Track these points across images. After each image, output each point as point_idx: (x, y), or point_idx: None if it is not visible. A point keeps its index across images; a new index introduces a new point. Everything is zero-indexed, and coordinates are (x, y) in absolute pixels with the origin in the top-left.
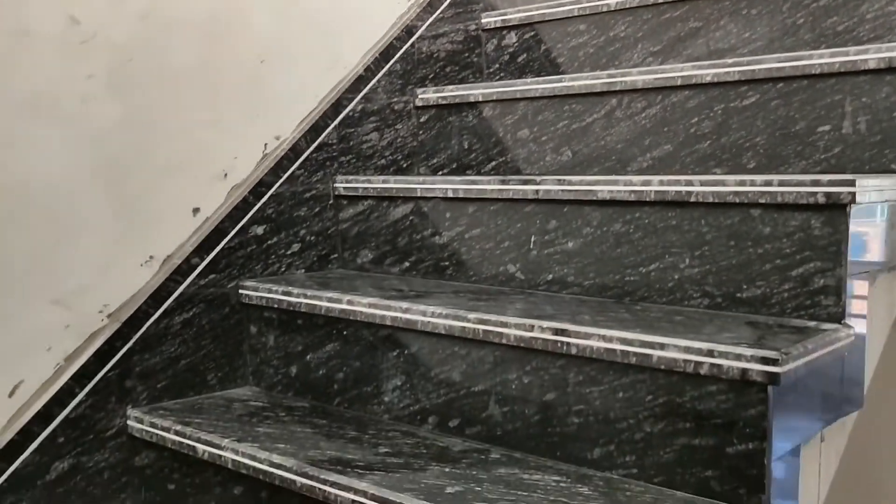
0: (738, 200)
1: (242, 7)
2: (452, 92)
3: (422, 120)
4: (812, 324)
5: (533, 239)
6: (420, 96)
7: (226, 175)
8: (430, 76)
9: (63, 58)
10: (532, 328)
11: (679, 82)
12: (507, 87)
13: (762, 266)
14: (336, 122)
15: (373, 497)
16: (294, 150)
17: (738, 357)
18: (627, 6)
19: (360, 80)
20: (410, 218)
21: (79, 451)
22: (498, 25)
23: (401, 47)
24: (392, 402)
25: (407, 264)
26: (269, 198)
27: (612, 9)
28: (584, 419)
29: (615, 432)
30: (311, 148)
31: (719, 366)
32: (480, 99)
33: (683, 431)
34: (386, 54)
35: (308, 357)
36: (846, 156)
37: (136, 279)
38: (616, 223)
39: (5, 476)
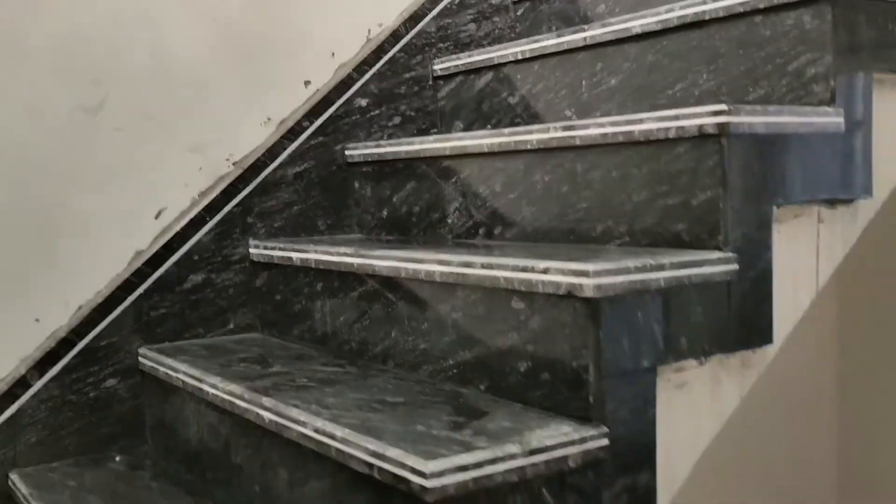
0: (743, 10)
1: None
2: None
3: (518, 13)
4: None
5: (584, 83)
6: None
7: (333, 54)
8: None
9: None
10: (548, 130)
11: None
12: None
13: (765, 67)
14: (434, 12)
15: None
16: (395, 36)
17: (699, 115)
18: None
19: None
20: (491, 85)
21: (209, 269)
22: None
23: None
24: (453, 223)
25: (489, 127)
26: (372, 76)
27: None
28: (590, 203)
29: (611, 209)
30: (411, 34)
31: (682, 127)
32: None
33: (661, 194)
34: None
35: (394, 199)
36: None
37: (257, 135)
38: (648, 54)
39: (151, 280)
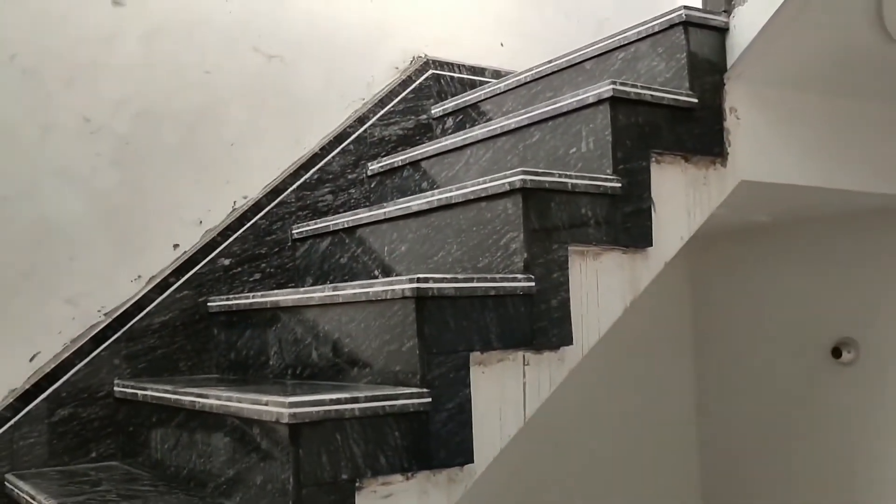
0: (474, 197)
1: (219, 103)
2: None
3: (371, 185)
4: None
5: (385, 249)
6: (371, 167)
7: (201, 222)
8: (382, 153)
9: (79, 142)
10: (324, 289)
11: None
12: (414, 152)
13: (488, 241)
14: (294, 186)
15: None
16: (257, 206)
17: (402, 282)
18: None
19: (316, 157)
20: (329, 248)
21: (76, 404)
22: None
23: (353, 133)
24: (273, 365)
25: (328, 282)
26: (235, 239)
27: None
28: (349, 348)
29: (360, 353)
30: (273, 204)
31: (394, 290)
32: (408, 161)
33: (386, 342)
34: (340, 138)
35: (238, 344)
36: None
37: (127, 290)
38: (423, 228)
39: (22, 414)
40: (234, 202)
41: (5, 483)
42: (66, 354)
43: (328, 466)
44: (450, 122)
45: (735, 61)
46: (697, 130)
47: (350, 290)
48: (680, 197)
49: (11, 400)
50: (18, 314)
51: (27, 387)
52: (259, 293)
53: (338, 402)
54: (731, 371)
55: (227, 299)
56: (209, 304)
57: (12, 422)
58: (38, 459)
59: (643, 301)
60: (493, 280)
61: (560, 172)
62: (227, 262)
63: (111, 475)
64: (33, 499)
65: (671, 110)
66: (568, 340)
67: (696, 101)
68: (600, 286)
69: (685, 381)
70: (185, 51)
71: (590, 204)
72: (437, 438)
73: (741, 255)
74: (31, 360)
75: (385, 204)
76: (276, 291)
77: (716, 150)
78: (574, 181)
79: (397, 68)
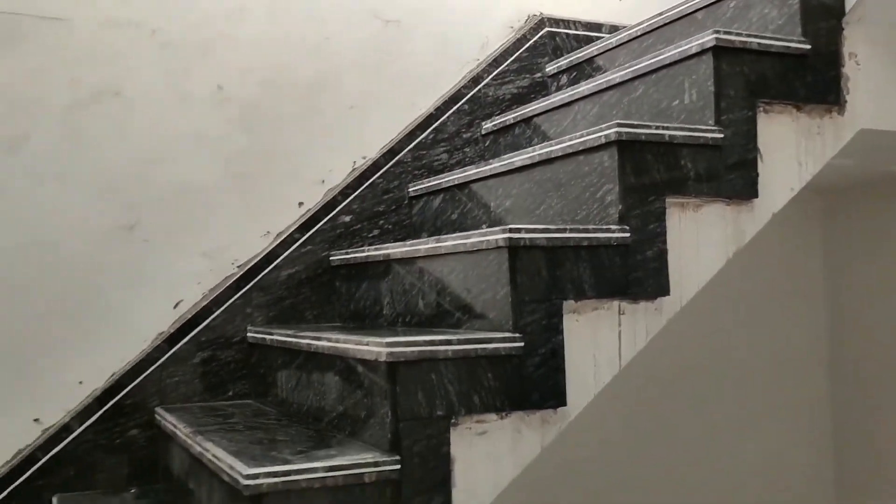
0: (573, 151)
1: (339, 69)
2: (504, 116)
3: (486, 144)
4: None
5: (492, 204)
6: (484, 126)
7: (323, 181)
8: (496, 112)
9: (212, 109)
10: (427, 242)
11: None
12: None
13: (585, 194)
14: (411, 146)
15: None
16: (375, 166)
17: (496, 233)
18: None
19: (431, 117)
20: (441, 205)
21: (215, 348)
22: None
23: (467, 93)
24: (387, 314)
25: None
26: (355, 197)
27: None
28: (450, 297)
29: (459, 300)
30: (390, 164)
31: (488, 241)
32: (520, 119)
33: (482, 291)
34: (455, 98)
35: (356, 295)
36: None
37: (258, 245)
38: (526, 183)
39: (168, 355)
40: (354, 162)
41: (155, 415)
42: (205, 303)
43: (424, 403)
44: (564, 79)
45: (855, 4)
46: (810, 78)
47: (451, 241)
48: (790, 147)
49: (160, 342)
50: (163, 266)
51: (172, 331)
52: (373, 247)
53: (432, 343)
54: (866, 323)
55: (346, 253)
56: (331, 258)
57: (160, 361)
58: (183, 396)
59: (772, 250)
60: (586, 231)
61: (657, 124)
62: (347, 218)
63: (243, 411)
64: (175, 427)
65: (781, 58)
66: (665, 291)
67: (809, 47)
68: (700, 238)
69: (816, 335)
70: (307, 21)
71: (690, 155)
72: (530, 381)
73: (880, 207)
74: (175, 306)
75: (492, 160)
76: (388, 245)
77: (831, 98)
78: (672, 133)
79: (512, 27)
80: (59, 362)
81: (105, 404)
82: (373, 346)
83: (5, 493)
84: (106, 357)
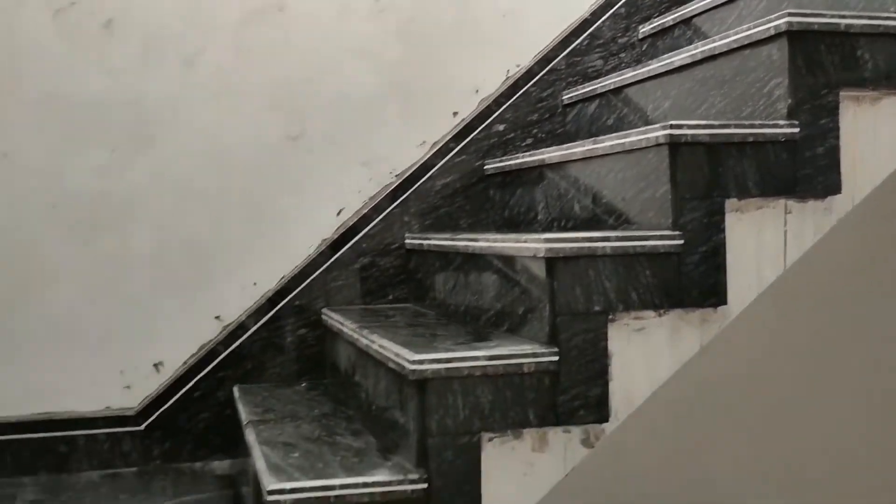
0: (737, 45)
1: None
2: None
3: (643, 49)
4: None
5: (650, 107)
6: (642, 30)
7: (477, 91)
8: (654, 15)
9: (369, 21)
10: (583, 144)
11: None
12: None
13: (751, 90)
14: (565, 53)
15: None
16: (529, 74)
17: (656, 130)
18: None
19: (586, 23)
20: (596, 111)
21: (375, 254)
22: None
23: None
24: (541, 220)
25: None
26: (508, 106)
27: None
28: (607, 199)
29: (616, 202)
30: (544, 72)
31: (648, 139)
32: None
33: (641, 189)
34: (611, 2)
35: (510, 202)
36: None
37: (414, 154)
38: (686, 82)
39: (332, 260)
40: (508, 71)
41: (322, 315)
42: (365, 210)
43: (582, 298)
44: None
45: None
46: None
47: (608, 142)
48: None
49: (324, 248)
50: (326, 175)
51: (335, 237)
52: (527, 153)
53: (590, 239)
54: None
55: (500, 161)
56: (485, 166)
57: (325, 266)
58: (346, 299)
59: None
60: (752, 126)
61: (832, 13)
62: (500, 127)
63: (403, 312)
64: (342, 324)
65: None
66: (835, 189)
67: None
68: (878, 133)
69: None
70: None
71: (868, 45)
72: (689, 279)
73: None
74: (337, 214)
75: (649, 62)
76: (542, 150)
77: None
78: (849, 21)
79: None
80: (236, 263)
81: (276, 305)
82: (531, 244)
83: (194, 380)
84: (277, 260)
